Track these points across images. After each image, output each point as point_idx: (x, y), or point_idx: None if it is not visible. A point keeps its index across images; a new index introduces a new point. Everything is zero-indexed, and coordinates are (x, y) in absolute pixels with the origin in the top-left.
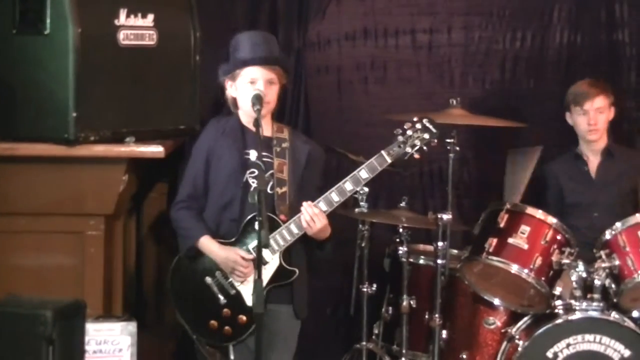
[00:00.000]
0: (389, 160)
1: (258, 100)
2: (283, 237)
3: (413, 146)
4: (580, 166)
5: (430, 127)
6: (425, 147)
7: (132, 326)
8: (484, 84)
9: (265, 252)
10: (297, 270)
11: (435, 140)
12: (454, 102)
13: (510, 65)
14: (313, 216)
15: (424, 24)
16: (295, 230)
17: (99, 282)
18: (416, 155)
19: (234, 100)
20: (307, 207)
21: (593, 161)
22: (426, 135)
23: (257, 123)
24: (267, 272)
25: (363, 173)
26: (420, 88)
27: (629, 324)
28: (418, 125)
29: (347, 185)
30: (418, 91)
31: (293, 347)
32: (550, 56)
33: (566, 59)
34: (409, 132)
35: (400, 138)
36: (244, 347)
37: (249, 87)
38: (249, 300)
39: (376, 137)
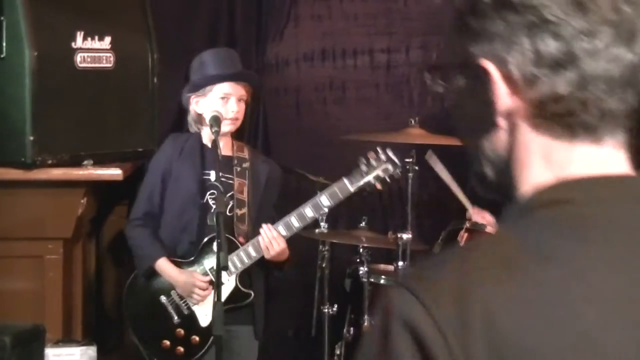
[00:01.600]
0: (351, 190)
1: (216, 122)
2: (241, 259)
3: (376, 177)
4: None
5: (394, 158)
6: (388, 179)
7: (92, 350)
8: (442, 103)
9: (222, 274)
10: (252, 293)
11: (399, 172)
12: (413, 121)
13: None
14: (272, 239)
15: (382, 44)
16: (253, 253)
17: (59, 306)
18: (378, 186)
19: (199, 117)
20: (266, 230)
21: None
22: (390, 167)
23: (215, 144)
24: (222, 294)
25: (324, 199)
26: (379, 108)
27: None
28: (382, 157)
29: (307, 210)
30: (377, 111)
31: None
32: None
33: None
34: (373, 163)
35: (364, 168)
36: None
37: (221, 104)
38: (202, 321)
39: (336, 157)
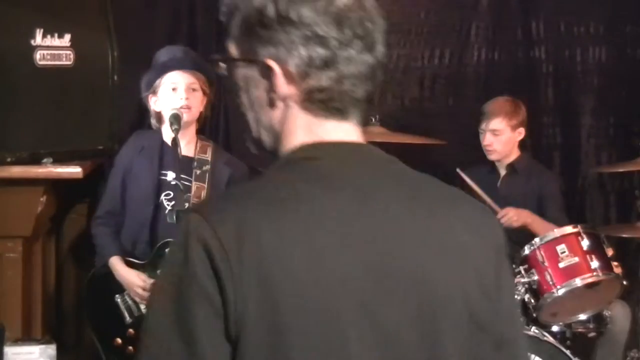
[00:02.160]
0: None
1: (176, 119)
2: None
3: None
4: (493, 180)
5: None
6: None
7: (51, 349)
8: (403, 101)
9: None
10: None
11: None
12: (373, 119)
13: (429, 82)
14: None
15: None
16: None
17: (18, 305)
18: None
19: (158, 114)
20: None
21: (501, 175)
22: None
23: (175, 143)
24: None
25: None
26: None
27: (549, 338)
28: None
29: None
30: None
31: None
32: (469, 74)
33: (484, 77)
34: None
35: None
36: None
37: (172, 95)
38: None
39: None
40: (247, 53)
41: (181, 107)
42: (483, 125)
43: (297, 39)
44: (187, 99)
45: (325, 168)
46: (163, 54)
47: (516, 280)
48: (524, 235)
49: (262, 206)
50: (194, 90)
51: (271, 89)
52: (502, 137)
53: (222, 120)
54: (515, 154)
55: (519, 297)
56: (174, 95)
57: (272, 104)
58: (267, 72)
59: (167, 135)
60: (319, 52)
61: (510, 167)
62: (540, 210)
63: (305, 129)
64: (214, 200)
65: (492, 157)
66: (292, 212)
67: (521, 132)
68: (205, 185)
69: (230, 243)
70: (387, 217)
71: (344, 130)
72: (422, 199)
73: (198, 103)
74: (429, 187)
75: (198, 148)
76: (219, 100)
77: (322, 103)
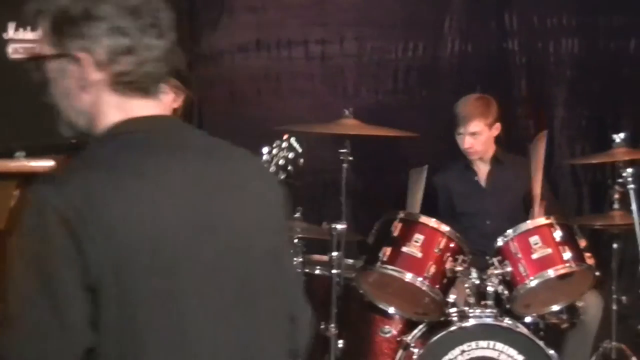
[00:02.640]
0: None
1: None
2: None
3: (277, 165)
4: (470, 176)
5: (296, 145)
6: (290, 167)
7: None
8: (377, 94)
9: None
10: None
11: (302, 160)
12: (347, 112)
13: (403, 75)
14: None
15: (316, 35)
16: None
17: None
18: (282, 175)
19: None
20: None
21: (483, 170)
22: (291, 155)
23: None
24: None
25: None
26: (314, 99)
27: (522, 329)
28: (284, 144)
29: None
30: (312, 102)
31: None
32: (442, 66)
33: (458, 68)
34: (275, 151)
35: (266, 157)
36: None
37: None
38: None
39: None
40: (57, 48)
41: None
42: (461, 129)
43: (101, 31)
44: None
45: (143, 138)
46: None
47: (489, 272)
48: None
49: (103, 173)
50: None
51: (82, 76)
52: (481, 137)
53: (194, 119)
54: (492, 148)
55: (492, 289)
56: None
57: (83, 89)
58: (77, 62)
59: None
60: (122, 41)
61: (495, 160)
62: (525, 203)
63: (116, 108)
64: (59, 171)
65: (473, 157)
66: (129, 176)
67: (498, 128)
68: None
69: (78, 209)
70: (202, 172)
71: (150, 106)
72: (226, 155)
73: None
74: (226, 146)
75: None
76: (191, 99)
77: (128, 84)
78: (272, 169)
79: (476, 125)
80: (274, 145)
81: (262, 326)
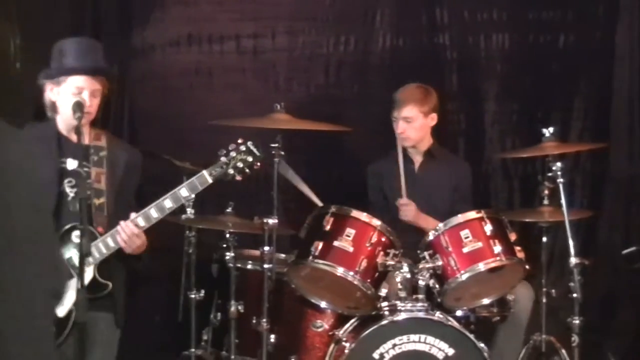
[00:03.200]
0: (210, 181)
1: (79, 107)
2: (99, 250)
3: (235, 168)
4: (407, 164)
5: (254, 150)
6: (248, 170)
7: None
8: (309, 88)
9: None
10: (110, 284)
11: (259, 163)
12: (279, 106)
13: (335, 69)
14: (131, 235)
15: (248, 30)
16: (112, 244)
17: None
18: (238, 178)
19: (53, 104)
20: (124, 228)
21: (417, 161)
22: (249, 158)
23: (78, 131)
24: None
25: (184, 191)
26: (246, 93)
27: (453, 323)
28: (242, 148)
29: (167, 202)
30: (243, 96)
31: (113, 354)
32: (374, 60)
33: (389, 63)
34: (233, 154)
35: (223, 159)
36: (61, 355)
37: (72, 97)
38: (59, 311)
39: (202, 143)
40: None
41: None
42: (395, 113)
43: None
44: (89, 106)
45: None
46: (72, 50)
47: (421, 265)
48: None
49: None
50: (93, 96)
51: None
52: (414, 123)
53: (126, 113)
54: (429, 140)
55: (423, 283)
56: (74, 97)
57: None
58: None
59: (61, 123)
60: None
61: (428, 153)
62: (452, 199)
63: None
64: None
65: (406, 143)
66: None
67: (434, 118)
68: (104, 170)
69: None
70: None
71: None
72: None
73: (96, 107)
74: None
75: (92, 136)
76: (123, 93)
77: None
78: (230, 172)
79: (410, 111)
80: (231, 148)
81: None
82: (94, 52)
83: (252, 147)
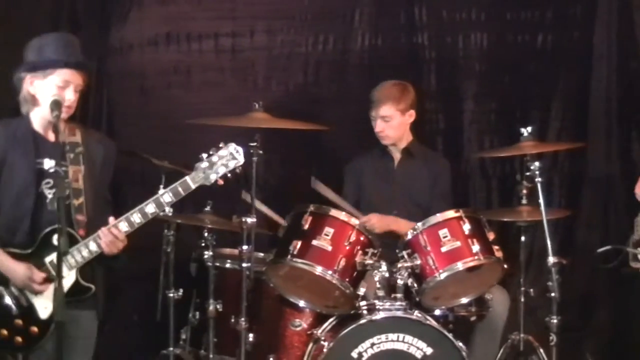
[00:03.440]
0: (193, 187)
1: (57, 106)
2: (81, 253)
3: (217, 173)
4: (387, 162)
5: (236, 154)
6: (229, 175)
7: None
8: (288, 87)
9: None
10: (93, 287)
11: (241, 168)
12: (257, 105)
13: (313, 68)
14: (113, 240)
15: (226, 28)
16: (94, 248)
17: None
18: (220, 182)
19: (33, 97)
20: (106, 233)
21: (396, 158)
22: (231, 163)
23: (56, 129)
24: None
25: (166, 197)
26: (224, 92)
27: (431, 322)
28: (224, 152)
29: (149, 208)
30: (222, 95)
31: (91, 351)
32: (353, 59)
33: (368, 62)
34: (214, 158)
35: (205, 164)
36: (42, 353)
37: (57, 90)
38: (42, 313)
39: (180, 141)
40: None
41: (65, 107)
42: (373, 113)
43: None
44: (72, 101)
45: None
46: (55, 43)
47: (399, 264)
48: None
49: None
50: (76, 91)
51: None
52: (393, 122)
53: (104, 111)
54: (408, 137)
55: (402, 282)
56: (61, 92)
57: None
58: None
59: (36, 120)
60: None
61: (406, 151)
62: (432, 194)
63: None
64: None
65: (385, 142)
66: None
67: (412, 115)
68: (81, 168)
69: None
70: None
71: None
72: None
73: (76, 102)
74: None
75: (67, 132)
76: (101, 91)
77: None
78: (212, 177)
79: (387, 110)
80: (212, 152)
81: None
82: (75, 47)
83: (233, 151)
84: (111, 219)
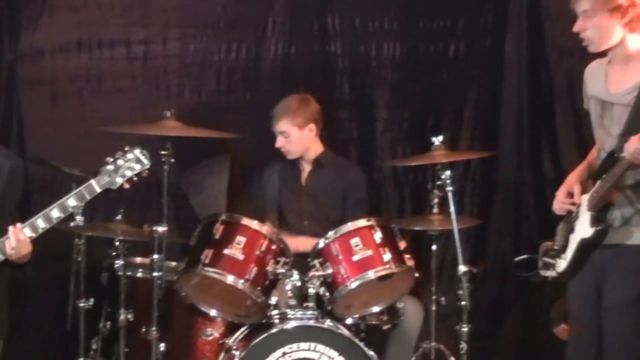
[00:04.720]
0: (99, 190)
1: None
2: None
3: (123, 176)
4: (295, 173)
5: (142, 157)
6: (135, 178)
7: None
8: (200, 95)
9: None
10: None
11: (147, 171)
12: (169, 113)
13: (226, 76)
14: (19, 243)
15: (138, 36)
16: None
17: None
18: (126, 185)
19: None
20: (15, 232)
21: (306, 169)
22: (137, 166)
23: None
24: None
25: (71, 201)
26: (136, 99)
27: (343, 331)
28: (129, 155)
29: (54, 212)
30: (134, 102)
31: None
32: (266, 67)
33: (281, 70)
34: (120, 162)
35: (111, 167)
36: None
37: None
38: None
39: (91, 148)
40: None
41: None
42: (273, 128)
43: None
44: None
45: None
46: None
47: (311, 273)
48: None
49: None
50: None
51: None
52: (291, 137)
53: (15, 119)
54: (317, 149)
55: (313, 291)
56: None
57: None
58: None
59: None
60: None
61: (316, 162)
62: (344, 206)
63: None
64: None
65: (289, 157)
66: None
67: (312, 129)
68: None
69: None
70: None
71: None
72: None
73: None
74: None
75: None
76: (11, 98)
77: None
78: (118, 180)
79: (284, 125)
80: (117, 156)
81: None
82: None
83: (139, 155)
84: (17, 225)
